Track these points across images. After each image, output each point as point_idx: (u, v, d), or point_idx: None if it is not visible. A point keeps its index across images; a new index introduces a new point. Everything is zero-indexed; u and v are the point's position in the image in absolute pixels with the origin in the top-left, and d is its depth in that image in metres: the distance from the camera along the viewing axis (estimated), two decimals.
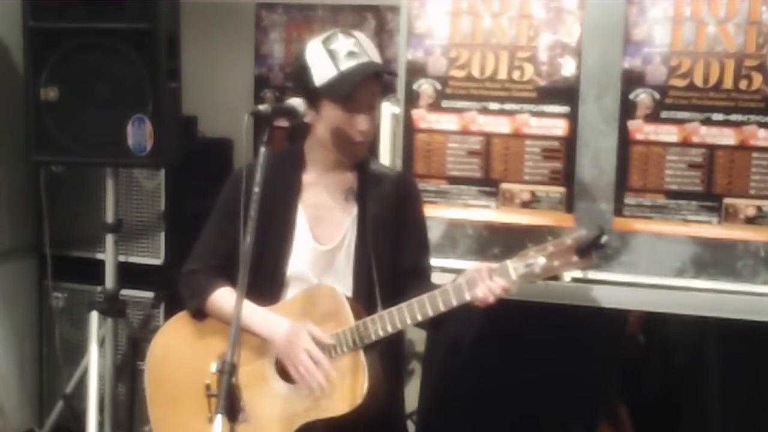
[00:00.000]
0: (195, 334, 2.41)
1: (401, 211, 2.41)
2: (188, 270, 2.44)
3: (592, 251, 2.10)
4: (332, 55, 2.25)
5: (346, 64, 2.24)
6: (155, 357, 2.48)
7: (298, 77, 2.32)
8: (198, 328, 2.42)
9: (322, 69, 2.25)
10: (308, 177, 2.39)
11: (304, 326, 2.24)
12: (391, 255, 2.36)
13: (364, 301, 2.30)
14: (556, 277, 2.15)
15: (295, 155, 2.40)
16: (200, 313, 2.40)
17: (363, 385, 2.19)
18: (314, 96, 2.28)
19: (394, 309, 2.21)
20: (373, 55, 2.30)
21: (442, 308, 2.18)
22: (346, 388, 2.20)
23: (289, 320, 2.28)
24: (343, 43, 2.27)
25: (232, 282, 2.31)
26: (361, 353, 2.22)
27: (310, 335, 2.22)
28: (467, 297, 2.16)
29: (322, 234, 2.37)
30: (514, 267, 2.13)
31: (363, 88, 2.25)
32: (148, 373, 2.48)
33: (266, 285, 2.32)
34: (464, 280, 2.17)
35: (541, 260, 2.11)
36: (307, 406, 2.24)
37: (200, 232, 2.46)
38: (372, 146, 2.47)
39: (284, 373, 2.29)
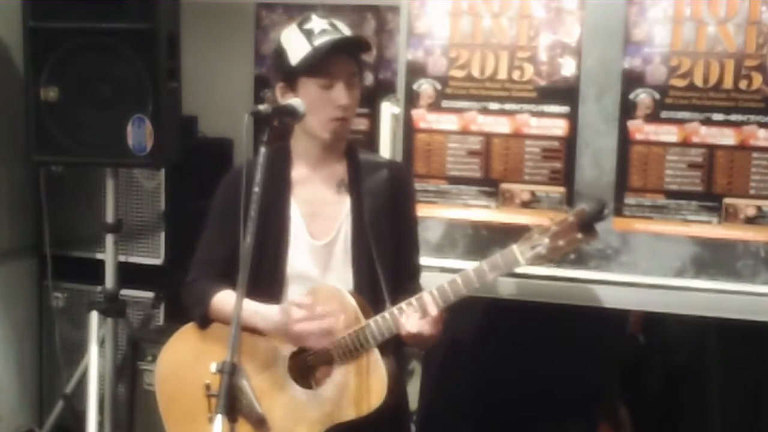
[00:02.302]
0: (200, 345, 2.39)
1: (396, 202, 2.39)
2: (189, 280, 2.42)
3: (595, 225, 2.09)
4: (306, 33, 2.27)
5: (320, 40, 2.26)
6: (163, 375, 2.45)
7: (276, 63, 2.34)
8: (200, 339, 2.39)
9: (296, 48, 2.27)
10: (297, 173, 2.38)
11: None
12: (391, 244, 2.34)
13: (367, 293, 2.29)
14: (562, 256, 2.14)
15: (281, 153, 2.38)
16: (206, 320, 2.38)
17: (383, 383, 2.18)
18: (292, 77, 2.29)
19: (403, 304, 2.20)
20: (346, 32, 2.31)
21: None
22: (367, 387, 2.20)
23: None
24: (316, 23, 2.29)
25: (234, 286, 2.30)
26: (376, 351, 2.21)
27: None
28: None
29: (318, 229, 2.35)
30: (520, 251, 2.12)
31: (337, 61, 2.26)
32: (159, 392, 2.45)
33: (267, 285, 2.31)
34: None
35: (546, 240, 2.10)
36: (328, 409, 2.23)
37: (198, 239, 2.44)
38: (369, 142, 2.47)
39: (300, 379, 2.28)
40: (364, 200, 2.34)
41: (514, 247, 2.13)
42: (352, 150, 2.41)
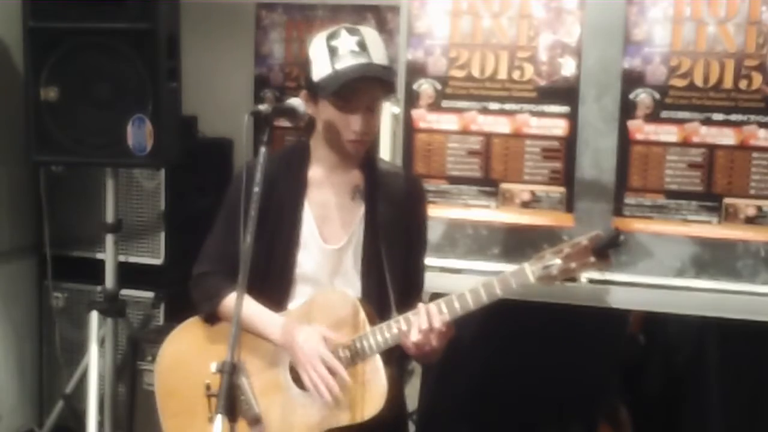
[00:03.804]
0: (203, 341, 2.38)
1: (409, 213, 2.38)
2: (200, 272, 2.39)
3: (609, 252, 2.09)
4: (332, 52, 2.21)
5: (343, 64, 2.19)
6: (164, 367, 2.44)
7: (303, 70, 2.30)
8: (206, 334, 2.38)
9: (320, 65, 2.22)
10: (314, 174, 2.35)
11: (317, 331, 2.21)
12: (402, 255, 2.33)
13: (375, 302, 2.27)
14: (573, 279, 2.14)
15: (301, 151, 2.37)
16: (213, 317, 2.37)
17: (383, 390, 2.17)
18: (313, 90, 2.25)
19: (410, 314, 2.19)
20: (376, 54, 2.22)
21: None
22: (366, 394, 2.18)
23: (302, 325, 2.24)
24: (344, 41, 2.21)
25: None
26: (378, 359, 2.20)
27: (324, 339, 2.20)
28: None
29: (330, 233, 2.33)
30: (531, 270, 2.11)
31: (357, 89, 2.20)
32: (157, 384, 2.44)
33: (275, 285, 2.30)
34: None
35: (558, 262, 2.09)
36: (326, 413, 2.21)
37: (209, 232, 2.41)
38: (373, 146, 2.46)
39: (301, 381, 2.26)
40: (378, 209, 2.32)
41: (526, 266, 2.13)
42: (370, 158, 2.39)
